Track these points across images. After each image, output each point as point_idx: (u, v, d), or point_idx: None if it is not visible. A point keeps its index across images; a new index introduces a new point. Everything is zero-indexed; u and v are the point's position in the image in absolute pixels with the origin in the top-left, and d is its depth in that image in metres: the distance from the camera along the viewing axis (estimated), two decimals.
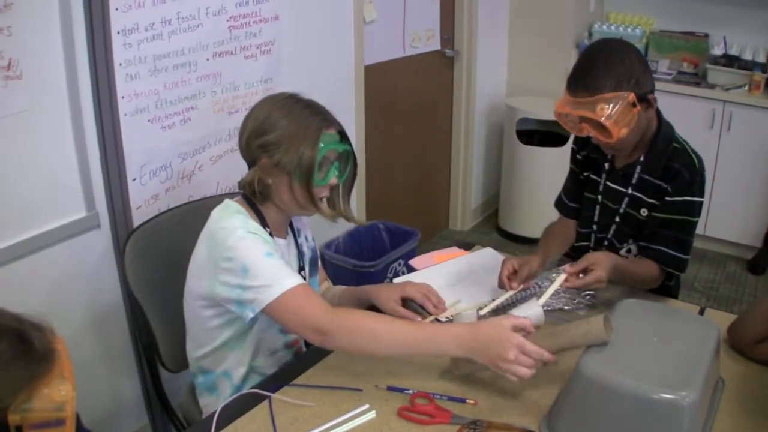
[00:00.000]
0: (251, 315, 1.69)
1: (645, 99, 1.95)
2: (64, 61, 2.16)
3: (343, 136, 1.84)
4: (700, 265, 4.63)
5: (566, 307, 2.07)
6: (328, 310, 1.69)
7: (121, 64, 2.29)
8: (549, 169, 4.64)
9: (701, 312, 2.06)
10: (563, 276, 1.92)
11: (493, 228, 5.16)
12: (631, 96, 1.89)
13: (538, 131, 4.90)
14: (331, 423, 1.55)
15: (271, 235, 1.83)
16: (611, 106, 1.88)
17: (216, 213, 1.82)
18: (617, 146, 2.01)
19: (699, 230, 4.28)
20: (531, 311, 1.87)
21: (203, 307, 1.83)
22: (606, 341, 1.53)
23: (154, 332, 2.10)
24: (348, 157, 1.87)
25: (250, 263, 1.69)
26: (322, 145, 1.75)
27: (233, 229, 1.72)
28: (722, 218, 4.65)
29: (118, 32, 2.25)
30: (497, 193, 5.24)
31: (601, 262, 1.94)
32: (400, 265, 3.47)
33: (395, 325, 1.72)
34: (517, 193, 4.94)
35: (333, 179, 1.83)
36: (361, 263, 3.30)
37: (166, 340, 2.12)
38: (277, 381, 1.72)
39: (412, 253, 3.32)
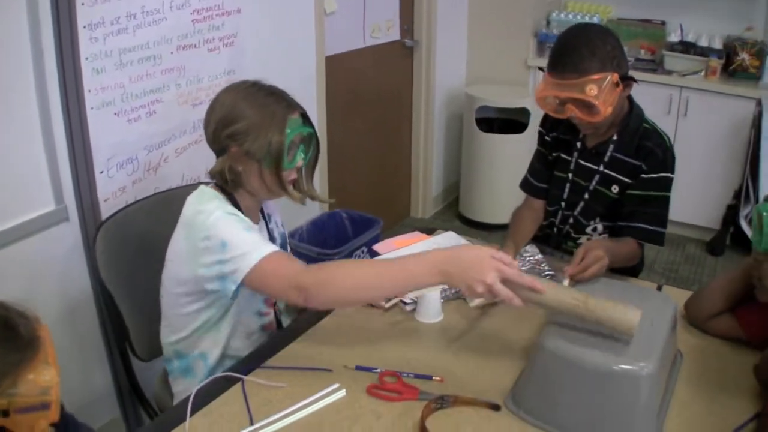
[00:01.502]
0: (233, 287, 1.71)
1: (626, 79, 2.04)
2: (32, 56, 2.18)
3: (305, 119, 1.88)
4: (659, 249, 4.74)
5: None
6: (305, 267, 1.70)
7: (87, 58, 2.31)
8: (508, 156, 4.74)
9: (659, 289, 2.15)
10: (567, 280, 1.93)
11: (455, 215, 5.24)
12: (615, 76, 1.99)
13: (497, 119, 4.98)
14: (304, 402, 1.61)
15: None
16: (598, 86, 1.98)
17: (192, 198, 1.86)
18: (598, 124, 2.10)
19: None
20: None
21: (183, 293, 1.87)
22: (630, 336, 1.52)
23: (126, 322, 2.14)
24: (311, 139, 1.92)
25: (229, 238, 1.71)
26: (288, 130, 1.80)
27: (211, 211, 1.76)
28: (681, 201, 4.66)
29: (84, 26, 2.28)
30: (458, 181, 5.31)
31: (595, 247, 1.99)
32: (363, 252, 3.52)
33: (370, 266, 1.74)
34: (478, 180, 5.01)
35: (299, 161, 1.88)
36: (324, 251, 3.35)
37: (137, 329, 2.16)
38: (249, 363, 1.77)
39: (375, 241, 3.36)
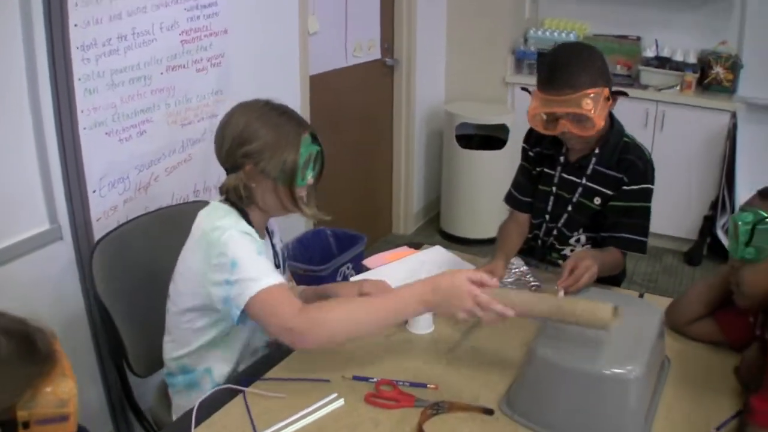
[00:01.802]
0: (237, 313, 1.74)
1: (615, 93, 2.14)
2: (26, 77, 2.22)
3: (314, 138, 1.94)
4: (639, 258, 4.81)
5: None
6: (301, 309, 1.72)
7: (80, 79, 2.35)
8: (488, 172, 4.81)
9: (640, 297, 2.23)
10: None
11: (436, 231, 5.30)
12: (606, 91, 2.10)
13: (476, 135, 5.06)
14: (304, 412, 1.65)
15: None
16: (594, 100, 2.07)
17: (205, 214, 1.88)
18: (589, 138, 2.19)
19: None
20: None
21: (192, 308, 1.90)
22: (609, 329, 1.59)
23: (122, 337, 2.17)
24: (319, 157, 1.96)
25: (240, 258, 1.75)
26: (302, 150, 1.86)
27: (227, 228, 1.79)
28: (659, 213, 4.73)
29: (77, 48, 2.32)
30: (438, 197, 5.38)
31: (583, 257, 2.06)
32: (348, 269, 3.58)
33: (362, 304, 1.81)
34: (458, 195, 5.08)
35: (310, 179, 1.93)
36: (310, 267, 3.39)
37: (133, 344, 2.19)
38: (250, 376, 1.81)
39: (360, 257, 3.42)
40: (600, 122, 2.10)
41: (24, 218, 2.33)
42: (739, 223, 1.70)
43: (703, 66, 4.82)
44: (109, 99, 2.49)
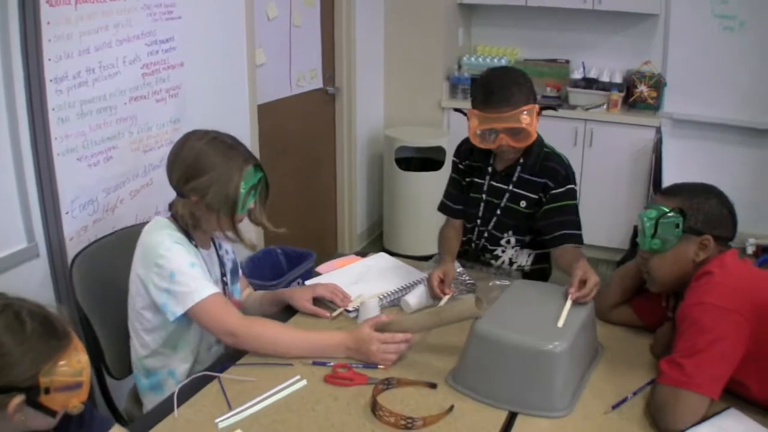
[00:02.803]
0: (172, 318, 2.06)
1: (543, 109, 2.46)
2: (6, 107, 2.41)
3: (257, 166, 2.18)
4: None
5: (455, 294, 2.48)
6: (240, 317, 2.08)
7: (53, 109, 2.55)
8: (427, 192, 4.99)
9: None
10: (570, 301, 2.08)
11: (379, 249, 5.44)
12: (537, 107, 2.42)
13: (415, 158, 5.31)
14: (272, 391, 1.91)
15: (196, 246, 2.18)
16: (529, 115, 2.40)
17: (148, 227, 2.17)
18: (522, 149, 2.50)
19: None
20: (417, 296, 2.40)
21: (143, 307, 2.15)
22: (479, 315, 1.96)
23: (101, 343, 2.39)
24: (260, 183, 2.19)
25: (176, 270, 2.04)
26: (243, 183, 2.11)
27: (161, 240, 2.08)
28: (591, 225, 4.91)
29: (51, 80, 2.53)
30: (381, 217, 5.62)
31: (588, 270, 2.18)
32: (299, 283, 3.80)
33: (294, 334, 2.15)
34: (399, 215, 5.32)
35: (251, 205, 2.18)
36: (264, 283, 3.60)
37: (109, 349, 2.41)
38: (223, 364, 2.06)
39: (309, 273, 3.63)
40: (534, 134, 2.43)
41: (4, 237, 2.50)
42: (645, 218, 2.01)
43: (628, 85, 5.17)
44: (80, 127, 2.69)
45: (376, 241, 5.68)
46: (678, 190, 2.04)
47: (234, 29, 3.73)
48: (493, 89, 2.44)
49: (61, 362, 1.41)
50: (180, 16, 3.18)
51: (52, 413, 1.42)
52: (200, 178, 2.08)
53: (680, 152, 5.10)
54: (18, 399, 1.36)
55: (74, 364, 1.43)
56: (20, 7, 2.38)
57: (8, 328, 1.37)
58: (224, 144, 2.14)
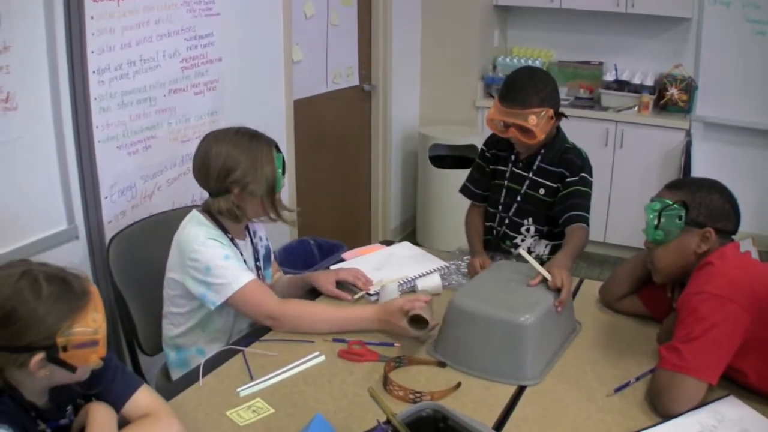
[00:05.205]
0: (212, 307, 2.19)
1: (558, 114, 2.58)
2: (50, 96, 2.55)
3: (277, 147, 2.32)
4: (601, 269, 5.13)
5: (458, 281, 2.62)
6: (277, 301, 2.21)
7: (95, 99, 2.70)
8: None
9: (580, 282, 2.62)
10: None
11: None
12: (551, 111, 2.54)
13: (448, 156, 5.38)
14: (292, 365, 2.02)
15: (232, 239, 2.30)
16: (537, 117, 2.51)
17: (185, 221, 2.29)
18: (531, 146, 2.63)
19: (599, 238, 4.82)
20: (432, 282, 2.52)
21: (178, 295, 2.28)
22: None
23: (134, 320, 2.53)
24: (282, 160, 2.33)
25: (212, 264, 2.16)
26: (277, 164, 2.25)
27: (196, 236, 2.20)
28: (619, 226, 5.15)
29: (94, 72, 2.67)
30: (414, 214, 5.70)
31: (558, 269, 2.21)
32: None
33: (328, 310, 2.28)
34: (432, 212, 5.40)
35: (284, 183, 2.31)
36: (295, 272, 3.72)
37: (143, 326, 2.55)
38: (248, 339, 2.18)
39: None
40: (541, 135, 2.54)
41: (46, 219, 2.65)
42: (649, 210, 2.09)
43: (659, 88, 5.21)
44: (120, 117, 2.84)
45: (409, 237, 5.67)
46: (682, 183, 2.12)
47: (271, 27, 3.86)
48: (512, 87, 2.59)
49: (77, 322, 1.50)
50: (219, 12, 3.32)
51: (72, 369, 1.52)
52: (237, 171, 2.20)
53: (710, 155, 5.14)
54: (39, 356, 1.46)
55: (90, 323, 1.52)
56: (65, 2, 2.52)
57: (26, 292, 1.46)
58: (247, 135, 2.27)
